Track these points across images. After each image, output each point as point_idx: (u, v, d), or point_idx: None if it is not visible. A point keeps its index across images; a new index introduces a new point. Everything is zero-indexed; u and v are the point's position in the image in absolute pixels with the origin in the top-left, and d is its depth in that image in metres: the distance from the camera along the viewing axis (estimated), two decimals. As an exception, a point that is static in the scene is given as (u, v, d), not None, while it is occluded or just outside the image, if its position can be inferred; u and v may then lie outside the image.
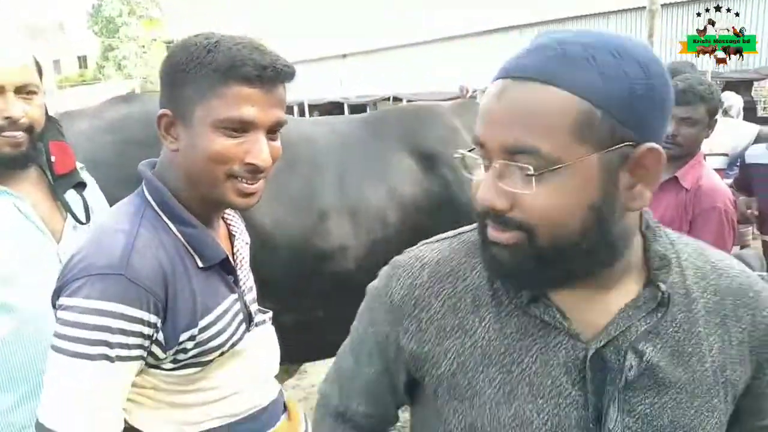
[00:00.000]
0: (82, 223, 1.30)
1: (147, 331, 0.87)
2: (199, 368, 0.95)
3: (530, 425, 0.71)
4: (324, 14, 20.00)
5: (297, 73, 0.95)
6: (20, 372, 1.22)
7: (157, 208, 0.93)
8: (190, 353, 0.93)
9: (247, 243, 1.12)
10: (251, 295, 1.10)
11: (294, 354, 2.16)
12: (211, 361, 0.96)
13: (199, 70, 0.88)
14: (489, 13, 13.98)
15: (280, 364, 2.40)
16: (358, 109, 14.19)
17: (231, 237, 1.09)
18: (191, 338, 0.92)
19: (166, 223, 0.93)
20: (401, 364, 0.81)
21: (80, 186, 1.33)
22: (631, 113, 0.65)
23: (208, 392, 0.98)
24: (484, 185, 0.68)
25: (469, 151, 0.72)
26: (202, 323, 0.93)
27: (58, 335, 0.85)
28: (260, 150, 0.91)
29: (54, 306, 0.89)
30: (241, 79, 0.87)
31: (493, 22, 14.14)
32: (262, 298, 2.07)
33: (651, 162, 0.66)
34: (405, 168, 2.21)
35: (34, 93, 1.24)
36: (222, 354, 0.97)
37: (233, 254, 1.07)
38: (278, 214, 1.94)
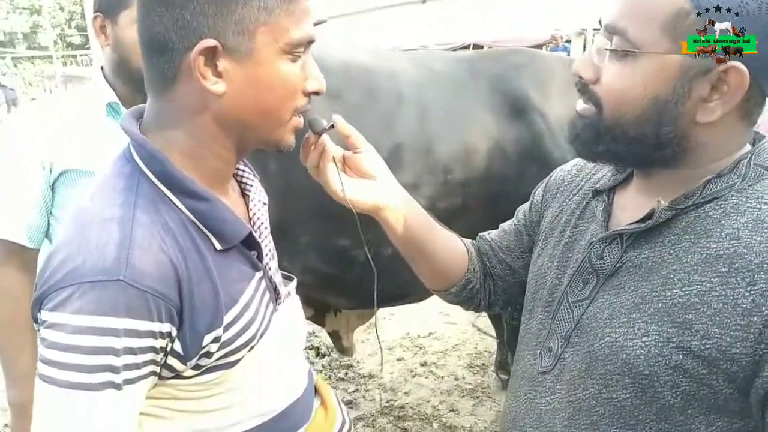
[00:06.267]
0: None
1: (160, 343, 0.69)
2: (224, 370, 0.78)
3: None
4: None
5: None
6: None
7: (154, 178, 0.72)
8: (215, 356, 0.75)
9: (264, 204, 0.92)
10: (274, 264, 0.90)
11: (367, 297, 2.10)
12: (239, 360, 0.79)
13: None
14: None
15: (354, 308, 2.35)
16: (437, 56, 13.82)
17: (245, 197, 0.89)
18: (215, 339, 0.74)
19: (169, 198, 0.72)
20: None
21: None
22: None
23: (232, 393, 0.81)
24: (581, 57, 0.75)
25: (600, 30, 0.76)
26: (227, 319, 0.75)
27: (45, 361, 0.65)
28: (319, 73, 0.77)
29: (35, 320, 0.70)
30: None
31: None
32: (336, 234, 1.97)
33: (734, 81, 0.66)
34: (493, 111, 2.04)
35: None
36: (251, 349, 0.80)
37: (249, 219, 0.87)
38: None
